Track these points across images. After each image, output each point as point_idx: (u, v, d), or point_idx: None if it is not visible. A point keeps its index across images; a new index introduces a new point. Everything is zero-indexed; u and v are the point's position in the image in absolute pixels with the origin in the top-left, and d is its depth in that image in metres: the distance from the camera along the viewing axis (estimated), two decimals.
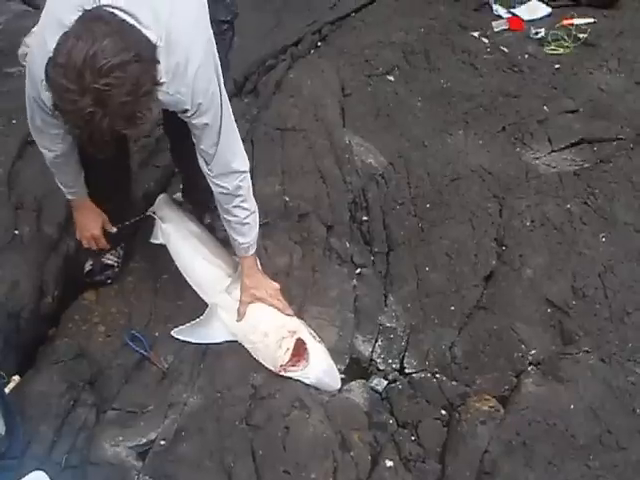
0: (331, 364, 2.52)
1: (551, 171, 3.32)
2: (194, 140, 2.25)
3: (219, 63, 2.16)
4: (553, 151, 3.45)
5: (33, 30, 3.51)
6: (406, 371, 2.62)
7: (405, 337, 2.73)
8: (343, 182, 3.34)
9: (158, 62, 1.86)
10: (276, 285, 2.64)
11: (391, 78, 3.97)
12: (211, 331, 2.59)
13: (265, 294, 2.59)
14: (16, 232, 2.64)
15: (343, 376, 2.56)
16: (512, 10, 4.45)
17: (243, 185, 2.35)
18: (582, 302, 2.71)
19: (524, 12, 4.41)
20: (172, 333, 2.58)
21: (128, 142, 2.73)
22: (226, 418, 2.36)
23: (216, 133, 2.21)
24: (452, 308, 2.79)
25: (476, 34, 4.28)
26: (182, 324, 2.62)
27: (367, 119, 3.72)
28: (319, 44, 4.22)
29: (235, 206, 2.39)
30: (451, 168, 3.36)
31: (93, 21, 1.78)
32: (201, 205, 2.91)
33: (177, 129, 2.33)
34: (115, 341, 2.60)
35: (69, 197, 2.57)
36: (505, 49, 4.15)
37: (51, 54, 1.76)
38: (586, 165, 3.31)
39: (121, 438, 2.32)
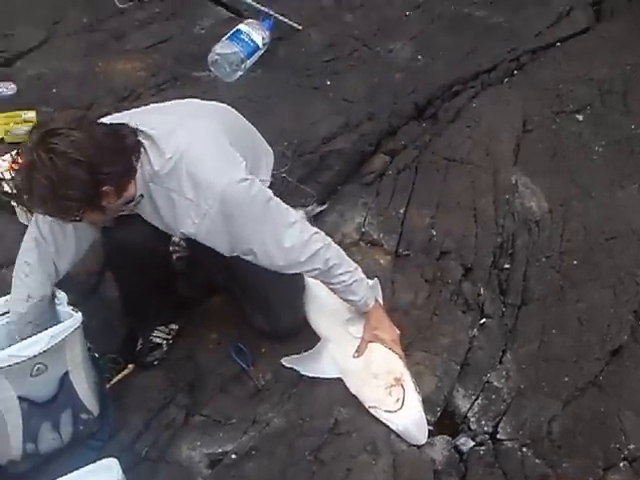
0: (423, 417, 2.48)
1: None
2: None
3: None
4: None
5: (223, 39, 3.77)
6: (497, 437, 2.51)
7: (509, 400, 2.61)
8: (495, 224, 3.24)
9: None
10: (397, 331, 2.65)
11: (580, 117, 3.76)
12: (320, 366, 2.63)
13: (387, 337, 2.61)
14: None
15: (431, 428, 2.50)
16: None
17: (330, 255, 2.38)
18: None
19: None
20: (282, 361, 2.65)
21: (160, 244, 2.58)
22: (298, 446, 2.43)
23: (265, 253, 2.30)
24: (566, 379, 2.63)
25: None
26: (292, 348, 2.70)
27: (541, 159, 3.56)
28: (515, 72, 4.08)
29: (335, 276, 2.43)
30: (611, 225, 3.15)
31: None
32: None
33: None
34: (223, 350, 2.73)
35: None
36: None
37: None
38: None
39: (199, 443, 2.46)
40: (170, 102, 2.61)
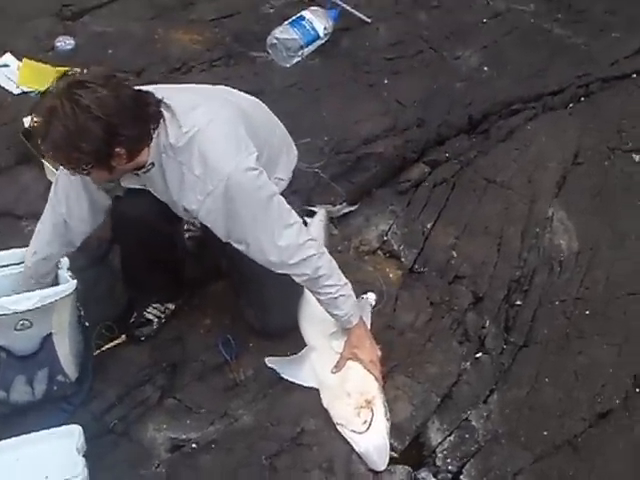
0: (387, 444, 2.45)
1: None
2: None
3: None
4: None
5: (285, 23, 3.74)
6: (460, 478, 2.46)
7: (482, 443, 2.55)
8: (517, 257, 3.14)
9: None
10: (379, 352, 2.62)
11: (636, 158, 3.60)
12: (301, 372, 2.63)
13: (366, 357, 2.58)
14: None
15: (395, 455, 2.47)
16: None
17: (322, 264, 2.37)
18: None
19: None
20: (265, 360, 2.65)
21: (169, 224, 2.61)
22: (257, 449, 2.44)
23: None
24: (545, 433, 2.56)
25: None
26: (278, 348, 2.70)
27: (584, 195, 3.43)
28: (581, 99, 3.92)
29: (322, 286, 2.42)
30: (635, 280, 3.02)
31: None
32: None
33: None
34: (212, 337, 2.74)
35: None
36: None
37: None
38: None
39: (165, 426, 2.50)
40: (203, 85, 2.64)
